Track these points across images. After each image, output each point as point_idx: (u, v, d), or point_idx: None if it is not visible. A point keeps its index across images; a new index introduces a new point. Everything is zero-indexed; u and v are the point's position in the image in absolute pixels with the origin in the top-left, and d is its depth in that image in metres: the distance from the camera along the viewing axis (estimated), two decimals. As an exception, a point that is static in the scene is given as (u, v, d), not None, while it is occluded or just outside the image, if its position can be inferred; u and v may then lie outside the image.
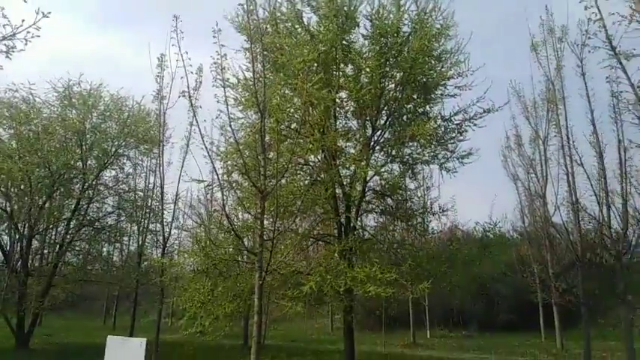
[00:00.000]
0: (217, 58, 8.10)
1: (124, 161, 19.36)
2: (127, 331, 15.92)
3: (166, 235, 15.74)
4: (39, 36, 4.10)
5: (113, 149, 18.23)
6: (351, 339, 11.91)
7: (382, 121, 12.09)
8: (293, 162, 10.73)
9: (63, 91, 17.36)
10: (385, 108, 11.91)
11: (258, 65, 8.98)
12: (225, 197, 8.61)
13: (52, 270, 17.26)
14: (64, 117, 17.28)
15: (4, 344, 15.76)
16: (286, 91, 11.74)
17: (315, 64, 11.19)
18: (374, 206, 12.81)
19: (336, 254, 10.79)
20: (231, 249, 10.90)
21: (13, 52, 4.05)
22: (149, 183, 20.20)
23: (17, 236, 16.86)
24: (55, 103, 17.50)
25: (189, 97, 7.79)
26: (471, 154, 11.97)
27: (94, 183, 18.08)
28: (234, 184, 10.56)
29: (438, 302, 24.14)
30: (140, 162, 19.95)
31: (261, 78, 8.30)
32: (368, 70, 11.25)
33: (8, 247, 17.09)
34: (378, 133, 12.06)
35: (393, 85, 11.82)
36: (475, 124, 11.81)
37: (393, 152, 12.09)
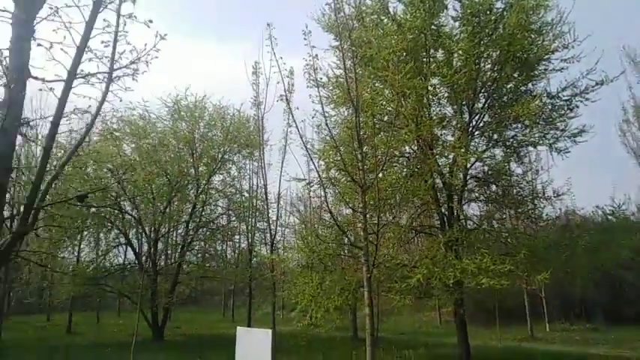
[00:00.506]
0: (309, 60, 8.42)
1: (230, 166, 20.80)
2: (244, 323, 17.11)
3: (273, 232, 16.69)
4: (157, 57, 4.54)
5: (220, 155, 19.66)
6: (464, 332, 11.57)
7: (480, 105, 11.55)
8: (389, 154, 10.69)
9: (172, 105, 19.09)
10: (482, 90, 11.36)
11: (348, 62, 9.11)
12: (325, 194, 8.89)
13: (176, 269, 19.13)
14: (175, 129, 19.03)
15: (143, 336, 17.80)
16: (377, 84, 11.72)
17: (404, 53, 11.01)
18: (477, 194, 12.29)
19: (441, 246, 10.55)
20: (334, 244, 11.20)
21: (138, 74, 4.51)
22: (253, 184, 21.56)
23: (145, 239, 18.96)
24: (166, 117, 19.33)
25: (287, 99, 8.18)
26: (584, 132, 10.95)
27: (205, 187, 19.66)
28: (332, 181, 10.81)
29: (557, 293, 22.34)
30: (243, 165, 21.33)
31: (352, 74, 8.41)
32: (461, 52, 10.82)
33: (138, 249, 19.28)
34: (477, 117, 11.54)
35: (490, 65, 11.23)
36: (587, 99, 10.78)
37: (495, 136, 11.50)
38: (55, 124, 3.59)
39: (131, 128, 18.62)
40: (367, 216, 7.96)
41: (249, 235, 21.05)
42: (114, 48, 4.13)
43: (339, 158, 9.86)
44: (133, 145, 18.89)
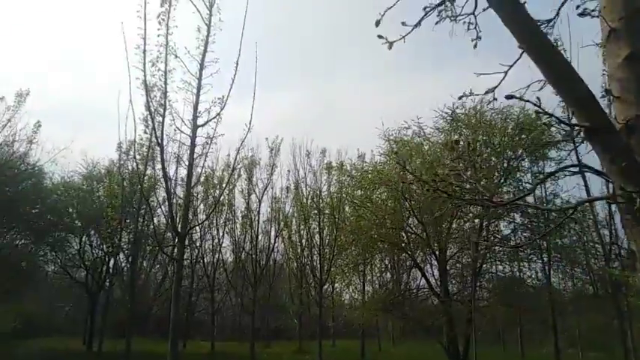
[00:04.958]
0: None
1: (521, 175, 18.06)
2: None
3: (608, 248, 13.01)
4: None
5: (504, 163, 17.14)
6: None
7: None
8: None
9: (448, 115, 17.56)
10: None
11: None
12: None
13: (471, 295, 17.02)
14: (454, 139, 17.41)
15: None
16: None
17: None
18: None
19: None
20: None
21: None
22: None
23: (435, 261, 17.56)
24: (444, 128, 17.90)
25: None
26: None
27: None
28: None
29: None
30: (538, 171, 18.24)
31: None
32: None
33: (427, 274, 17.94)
34: None
35: None
36: None
37: None
38: None
39: (406, 148, 17.83)
40: None
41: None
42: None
43: None
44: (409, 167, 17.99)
